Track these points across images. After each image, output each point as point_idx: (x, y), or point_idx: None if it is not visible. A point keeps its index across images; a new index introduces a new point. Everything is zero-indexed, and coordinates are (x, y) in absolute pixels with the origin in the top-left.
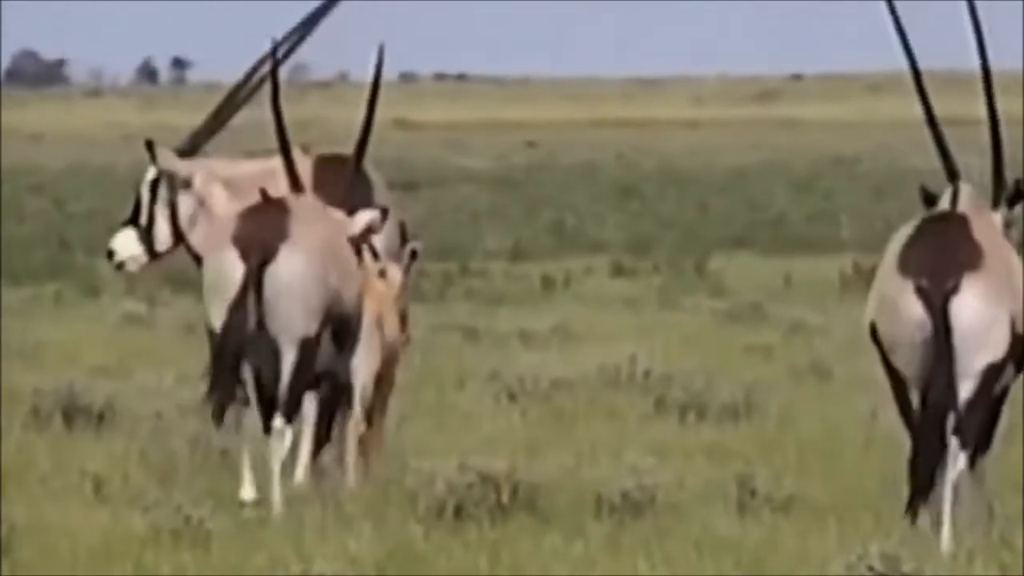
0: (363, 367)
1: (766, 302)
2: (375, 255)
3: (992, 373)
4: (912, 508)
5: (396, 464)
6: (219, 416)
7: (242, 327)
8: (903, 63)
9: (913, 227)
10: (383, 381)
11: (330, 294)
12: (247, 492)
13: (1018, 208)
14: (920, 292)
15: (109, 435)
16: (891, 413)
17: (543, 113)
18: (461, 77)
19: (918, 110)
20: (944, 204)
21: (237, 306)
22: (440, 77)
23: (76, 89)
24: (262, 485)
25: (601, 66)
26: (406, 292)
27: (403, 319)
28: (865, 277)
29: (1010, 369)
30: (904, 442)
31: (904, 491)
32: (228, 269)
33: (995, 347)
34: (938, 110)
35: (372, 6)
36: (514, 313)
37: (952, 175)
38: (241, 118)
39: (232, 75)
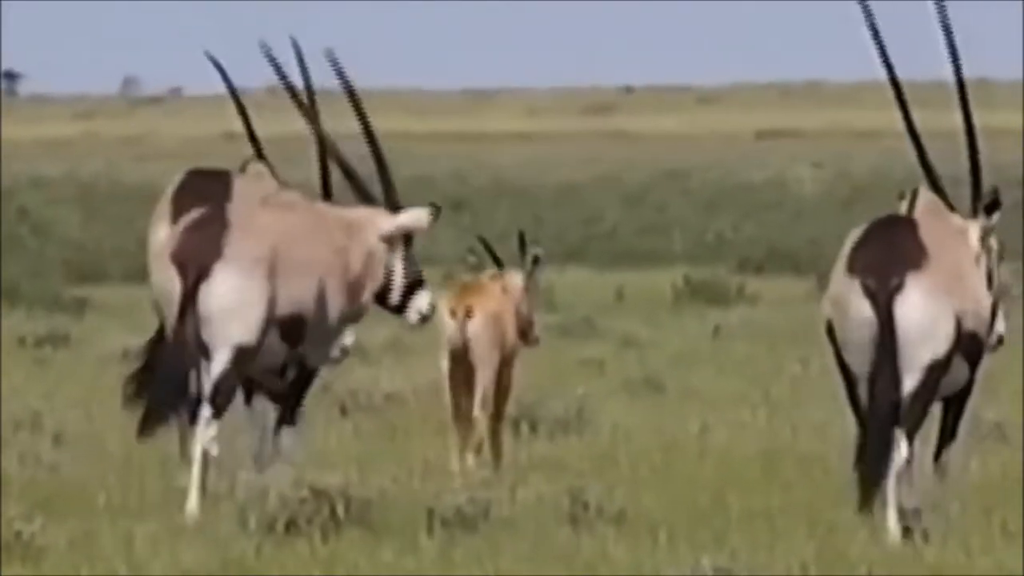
0: (482, 372)
1: (598, 316)
2: (498, 263)
3: (936, 368)
4: (864, 500)
5: (227, 478)
6: (149, 430)
7: (184, 347)
8: (733, 75)
9: (863, 230)
10: (501, 382)
11: (274, 301)
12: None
13: (996, 216)
14: (866, 290)
15: None
16: (723, 427)
17: (374, 125)
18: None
19: (749, 122)
20: (903, 208)
21: (179, 327)
22: (272, 91)
23: None
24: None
25: (432, 78)
26: (530, 296)
27: (528, 323)
28: (697, 290)
29: (961, 365)
30: (734, 455)
31: (734, 503)
32: (168, 286)
33: (939, 343)
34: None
35: (205, 24)
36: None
37: (932, 182)
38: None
39: (65, 87)
